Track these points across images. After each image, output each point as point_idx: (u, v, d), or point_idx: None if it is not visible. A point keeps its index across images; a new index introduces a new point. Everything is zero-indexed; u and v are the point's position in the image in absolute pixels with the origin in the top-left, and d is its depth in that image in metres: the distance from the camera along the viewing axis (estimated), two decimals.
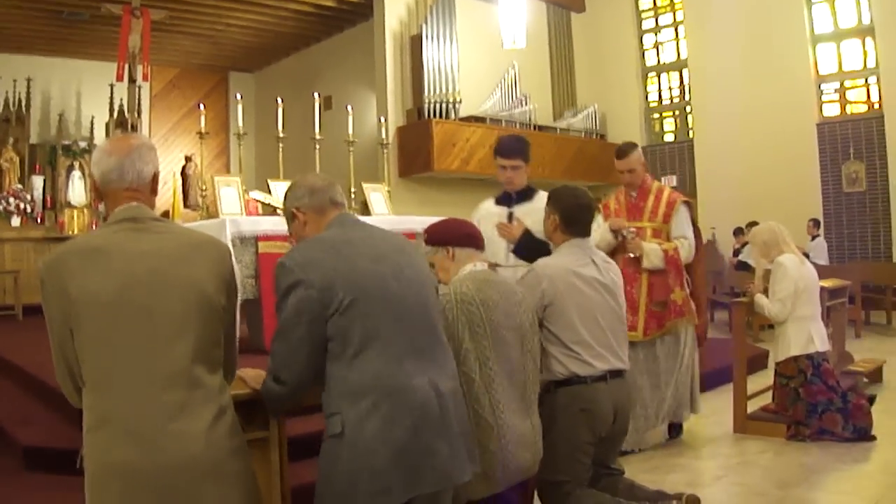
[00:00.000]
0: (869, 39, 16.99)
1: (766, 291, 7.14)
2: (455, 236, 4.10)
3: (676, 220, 6.75)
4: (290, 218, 3.45)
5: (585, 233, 4.77)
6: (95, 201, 16.65)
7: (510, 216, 5.90)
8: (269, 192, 8.87)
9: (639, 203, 6.86)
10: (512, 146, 5.98)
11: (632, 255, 6.55)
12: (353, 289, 3.01)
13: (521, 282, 4.54)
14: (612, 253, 6.38)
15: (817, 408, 6.71)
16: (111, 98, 17.89)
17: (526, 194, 5.98)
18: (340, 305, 2.98)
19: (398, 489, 2.94)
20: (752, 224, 15.22)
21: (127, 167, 2.93)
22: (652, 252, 6.53)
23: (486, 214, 5.99)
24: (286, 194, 3.49)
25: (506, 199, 6.05)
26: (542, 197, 5.61)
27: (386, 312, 3.05)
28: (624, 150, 6.97)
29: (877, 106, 17.00)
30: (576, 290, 4.52)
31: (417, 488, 2.99)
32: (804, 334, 6.85)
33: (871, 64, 17.09)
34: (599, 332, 4.55)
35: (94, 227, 16.38)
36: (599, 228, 6.49)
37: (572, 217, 4.71)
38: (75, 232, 16.01)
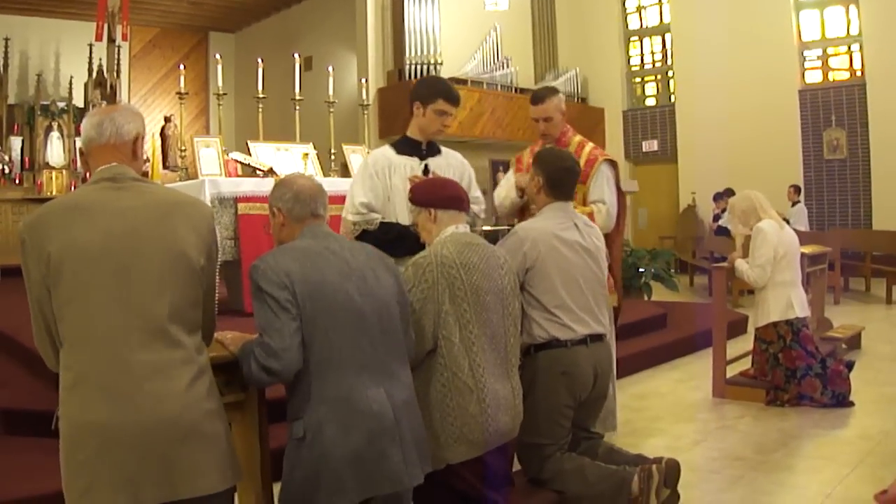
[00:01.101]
0: (853, 7, 16.98)
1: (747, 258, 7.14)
2: (438, 198, 4.07)
3: (596, 181, 5.72)
4: (271, 214, 3.52)
5: (569, 196, 4.74)
6: (74, 163, 16.56)
7: (426, 169, 5.01)
8: (249, 153, 8.83)
9: None
10: (457, 95, 5.10)
11: None
12: (319, 301, 3.12)
13: (503, 244, 4.51)
14: (520, 214, 5.80)
15: (796, 373, 6.74)
16: (90, 58, 17.74)
17: (434, 148, 5.14)
18: (305, 314, 3.10)
19: (353, 490, 3.12)
20: (729, 191, 15.29)
21: (106, 124, 2.93)
22: None
23: (391, 164, 4.97)
24: (274, 188, 3.54)
25: (413, 149, 5.07)
26: (448, 153, 5.20)
27: (348, 327, 3.17)
28: (540, 95, 5.82)
29: (859, 73, 17.04)
30: (558, 253, 4.49)
31: (371, 491, 3.18)
32: (784, 300, 6.86)
33: (854, 31, 17.11)
34: (581, 296, 4.54)
35: (72, 188, 16.28)
36: (506, 184, 5.86)
37: (557, 180, 4.67)
38: (54, 193, 15.92)
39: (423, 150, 5.06)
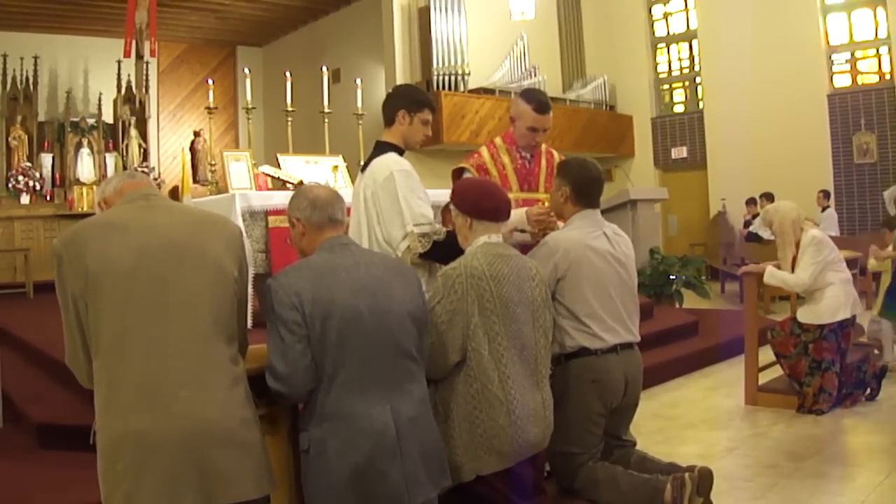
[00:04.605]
0: (880, 9, 16.86)
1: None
2: (477, 209, 4.04)
3: None
4: (291, 225, 3.56)
5: (596, 204, 4.73)
6: (104, 178, 16.67)
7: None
8: (279, 166, 8.87)
9: (534, 168, 5.25)
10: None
11: None
12: (328, 320, 3.15)
13: (534, 255, 4.51)
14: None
15: (821, 365, 6.69)
16: (119, 74, 17.86)
17: None
18: (315, 334, 3.14)
19: None
20: (766, 195, 15.11)
21: (137, 174, 3.19)
22: None
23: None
24: (291, 199, 3.58)
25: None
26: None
27: (355, 345, 3.19)
28: (547, 102, 5.08)
29: (888, 76, 16.92)
30: (588, 262, 4.49)
31: None
32: (841, 299, 6.81)
33: (882, 34, 16.98)
34: (611, 305, 4.53)
35: None
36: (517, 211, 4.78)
37: (584, 189, 4.66)
38: (84, 209, 15.98)
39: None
